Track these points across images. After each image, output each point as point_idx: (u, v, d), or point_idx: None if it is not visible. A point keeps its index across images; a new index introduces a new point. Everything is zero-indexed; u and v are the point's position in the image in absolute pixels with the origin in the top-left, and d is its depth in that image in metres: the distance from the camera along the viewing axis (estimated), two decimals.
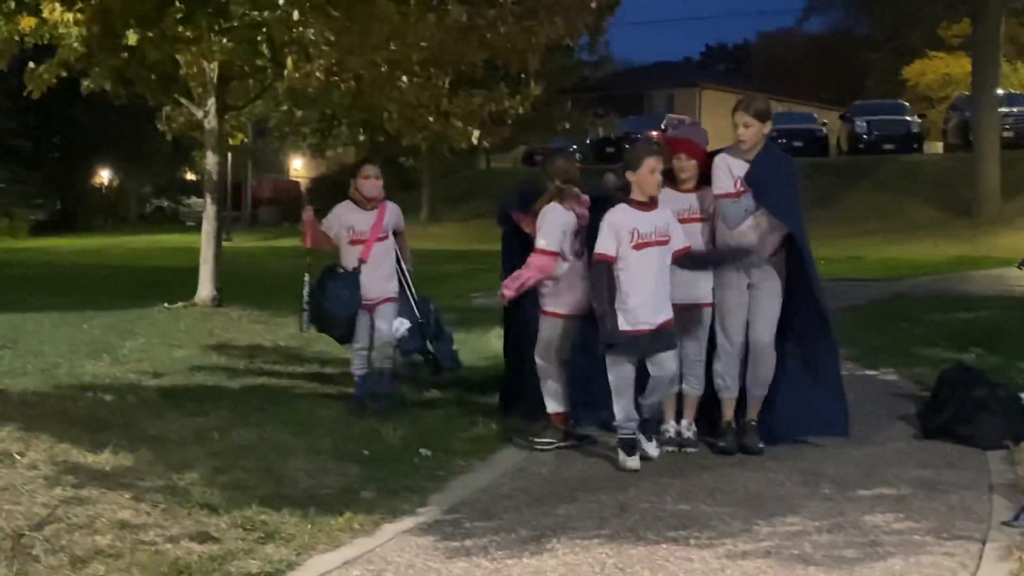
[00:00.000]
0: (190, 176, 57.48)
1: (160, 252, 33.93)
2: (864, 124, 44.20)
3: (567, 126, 27.71)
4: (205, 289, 15.92)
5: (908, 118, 45.33)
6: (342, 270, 9.55)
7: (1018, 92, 45.56)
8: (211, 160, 16.26)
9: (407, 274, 9.84)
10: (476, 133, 14.73)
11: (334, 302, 9.44)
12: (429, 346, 9.76)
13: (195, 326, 13.59)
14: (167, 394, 9.51)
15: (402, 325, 9.57)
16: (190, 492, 6.97)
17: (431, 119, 14.44)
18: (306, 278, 9.50)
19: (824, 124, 49.04)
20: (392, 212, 9.76)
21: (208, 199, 16.38)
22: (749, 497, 7.46)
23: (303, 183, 57.32)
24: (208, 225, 16.19)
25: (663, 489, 7.64)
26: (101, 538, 6.09)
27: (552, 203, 8.60)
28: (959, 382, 9.09)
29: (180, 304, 15.68)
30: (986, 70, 37.18)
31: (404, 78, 14.00)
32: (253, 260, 25.81)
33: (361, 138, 16.89)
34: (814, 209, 39.43)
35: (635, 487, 7.65)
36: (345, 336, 9.70)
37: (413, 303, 9.77)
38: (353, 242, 9.55)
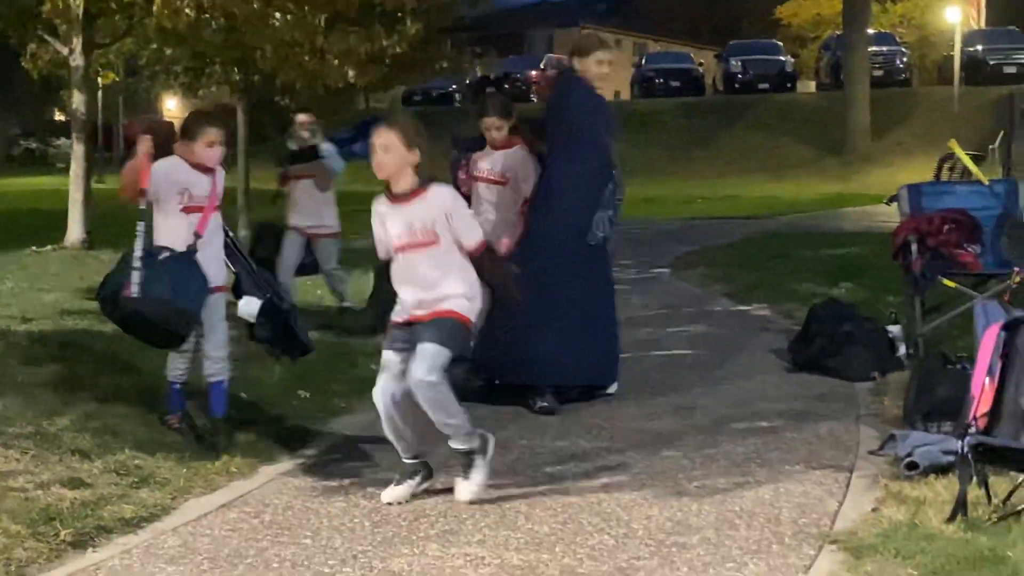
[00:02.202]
0: (60, 116, 56.12)
1: (29, 195, 33.16)
2: (739, 63, 44.62)
3: (445, 65, 27.58)
4: (75, 232, 15.60)
5: (782, 57, 45.88)
6: (168, 252, 6.99)
7: (888, 31, 46.28)
8: (78, 99, 15.88)
9: (237, 243, 7.70)
10: (351, 72, 14.60)
11: (183, 292, 6.89)
12: (293, 325, 7.60)
13: (65, 270, 13.34)
14: (37, 339, 9.31)
15: (250, 305, 7.34)
16: (60, 438, 6.86)
17: (306, 57, 14.26)
18: (140, 228, 6.96)
19: (700, 64, 49.41)
20: (222, 178, 7.36)
21: (76, 139, 16.01)
22: (626, 432, 7.56)
23: (177, 123, 56.22)
24: (77, 166, 15.84)
25: (542, 427, 7.71)
26: None
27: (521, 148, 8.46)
28: (828, 316, 9.27)
29: (49, 247, 15.36)
30: (857, 10, 37.68)
31: (277, 15, 13.79)
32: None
33: (236, 78, 16.57)
34: (692, 149, 40.06)
35: (514, 425, 7.71)
36: (178, 339, 7.10)
37: (253, 276, 7.56)
38: (187, 209, 7.06)
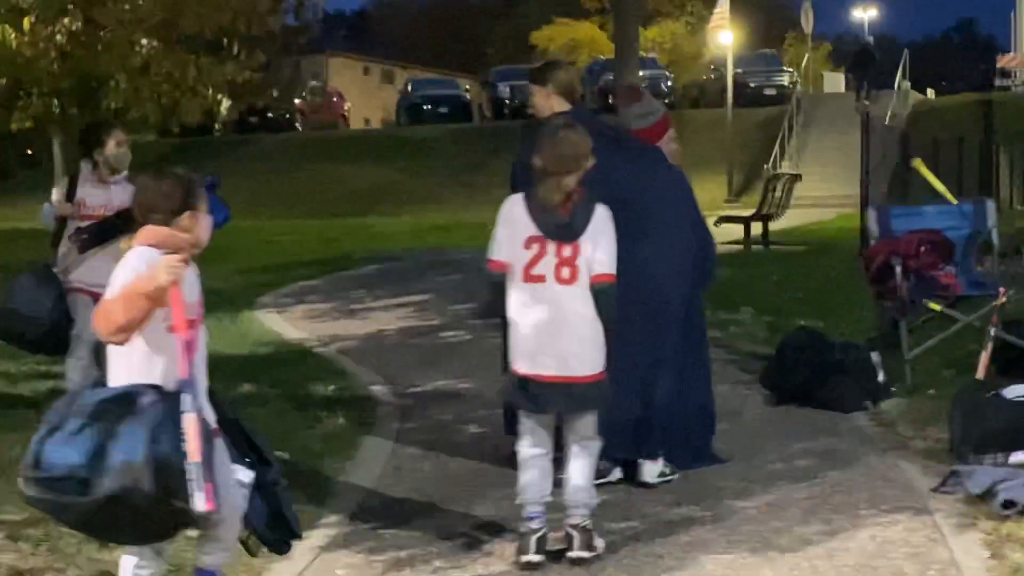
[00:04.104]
0: None
1: None
2: (507, 89, 44.51)
3: (276, 93, 26.52)
4: None
5: None
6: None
7: (650, 56, 47.10)
8: None
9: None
10: (227, 103, 13.50)
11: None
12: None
13: None
14: None
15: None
16: None
17: (165, 86, 13.02)
18: None
19: (467, 90, 49.28)
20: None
21: None
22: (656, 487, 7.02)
23: None
24: None
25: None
26: None
27: None
28: (805, 345, 8.91)
29: None
30: (627, 33, 37.98)
31: (144, 42, 12.58)
32: None
33: (55, 109, 14.98)
34: (466, 175, 39.75)
35: None
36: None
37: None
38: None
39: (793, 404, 8.66)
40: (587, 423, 5.76)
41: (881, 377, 8.74)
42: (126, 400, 4.23)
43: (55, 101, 15.13)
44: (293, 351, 11.16)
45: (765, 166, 33.33)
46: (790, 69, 45.46)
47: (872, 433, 8.00)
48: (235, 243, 21.86)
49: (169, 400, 4.21)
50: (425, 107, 45.42)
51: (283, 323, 12.69)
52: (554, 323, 5.61)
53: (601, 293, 5.65)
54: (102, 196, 7.98)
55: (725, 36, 37.50)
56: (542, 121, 7.19)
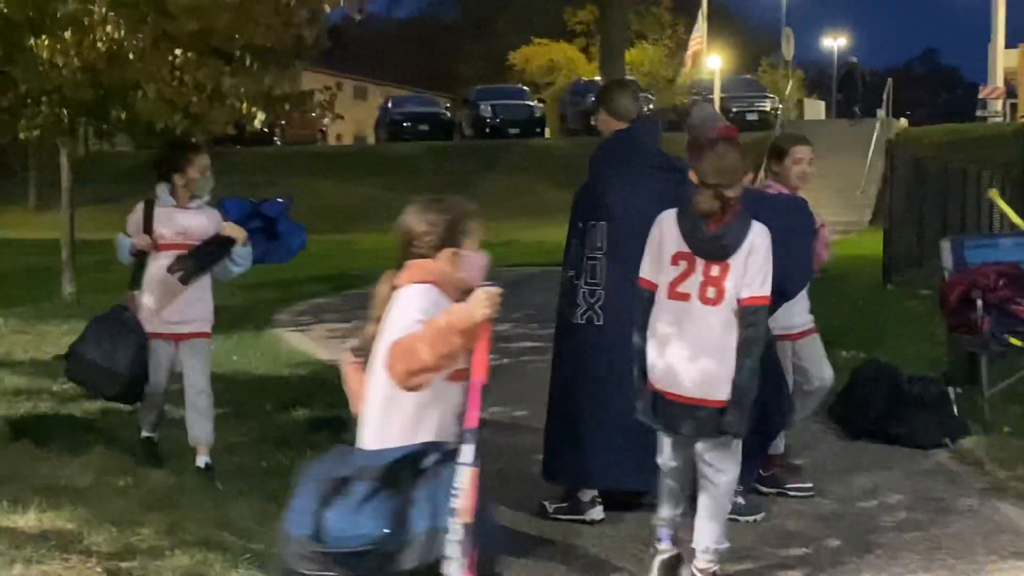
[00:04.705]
0: None
1: None
2: (489, 108, 44.31)
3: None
4: None
5: (530, 103, 45.90)
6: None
7: (631, 78, 46.97)
8: None
9: None
10: (262, 115, 13.08)
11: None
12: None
13: None
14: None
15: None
16: (160, 554, 5.60)
17: (194, 99, 12.57)
18: None
19: (448, 108, 49.04)
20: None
21: None
22: (761, 532, 6.76)
23: None
24: None
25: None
26: None
27: None
28: (877, 378, 8.68)
29: None
30: (613, 56, 37.92)
31: (178, 52, 12.18)
32: None
33: (64, 120, 14.30)
34: (447, 193, 39.24)
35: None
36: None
37: None
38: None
39: (867, 439, 8.44)
40: (720, 454, 5.50)
41: (955, 413, 8.54)
42: (414, 460, 3.87)
43: (64, 111, 14.65)
44: (333, 372, 10.79)
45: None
46: (772, 95, 45.42)
47: (960, 472, 7.76)
48: None
49: (452, 457, 3.85)
50: (405, 124, 45.18)
51: (309, 342, 12.38)
52: (695, 343, 5.36)
53: (748, 315, 5.35)
54: (180, 223, 7.31)
55: (713, 60, 37.42)
56: (609, 142, 7.01)
